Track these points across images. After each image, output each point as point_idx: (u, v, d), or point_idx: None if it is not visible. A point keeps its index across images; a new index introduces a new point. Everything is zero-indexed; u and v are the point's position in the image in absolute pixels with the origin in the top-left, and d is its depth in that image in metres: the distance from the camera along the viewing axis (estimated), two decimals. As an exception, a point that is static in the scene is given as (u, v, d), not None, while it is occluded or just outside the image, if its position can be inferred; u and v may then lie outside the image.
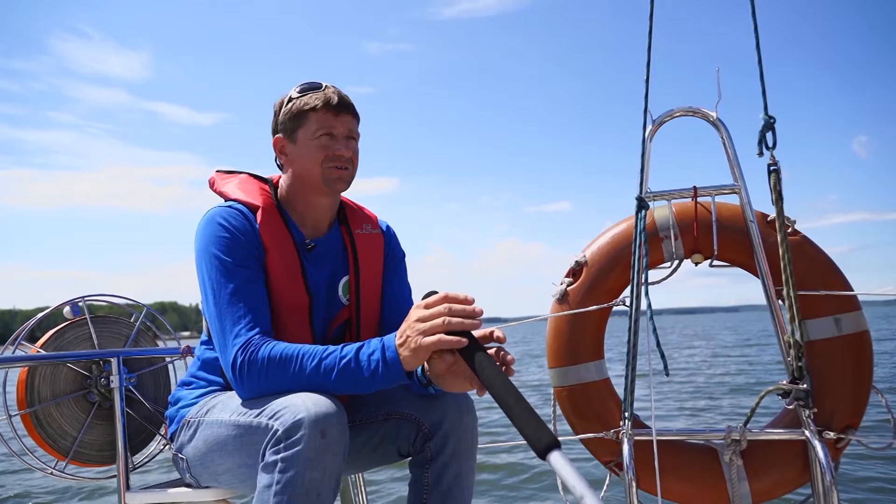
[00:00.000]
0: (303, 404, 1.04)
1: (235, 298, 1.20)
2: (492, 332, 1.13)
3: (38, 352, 1.76)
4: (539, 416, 0.92)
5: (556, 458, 0.85)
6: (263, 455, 1.06)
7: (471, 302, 1.06)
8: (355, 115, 1.34)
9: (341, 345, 1.13)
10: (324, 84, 1.32)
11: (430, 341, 1.03)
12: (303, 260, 1.33)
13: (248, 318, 1.19)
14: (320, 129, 1.29)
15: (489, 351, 1.07)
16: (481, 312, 1.05)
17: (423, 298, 1.10)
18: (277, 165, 1.39)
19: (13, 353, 1.73)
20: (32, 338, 1.82)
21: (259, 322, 1.20)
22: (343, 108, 1.30)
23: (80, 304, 1.88)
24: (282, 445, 1.03)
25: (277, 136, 1.35)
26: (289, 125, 1.32)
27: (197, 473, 1.32)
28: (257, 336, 1.17)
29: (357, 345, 1.12)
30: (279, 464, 1.02)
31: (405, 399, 1.33)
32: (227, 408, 1.21)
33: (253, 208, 1.31)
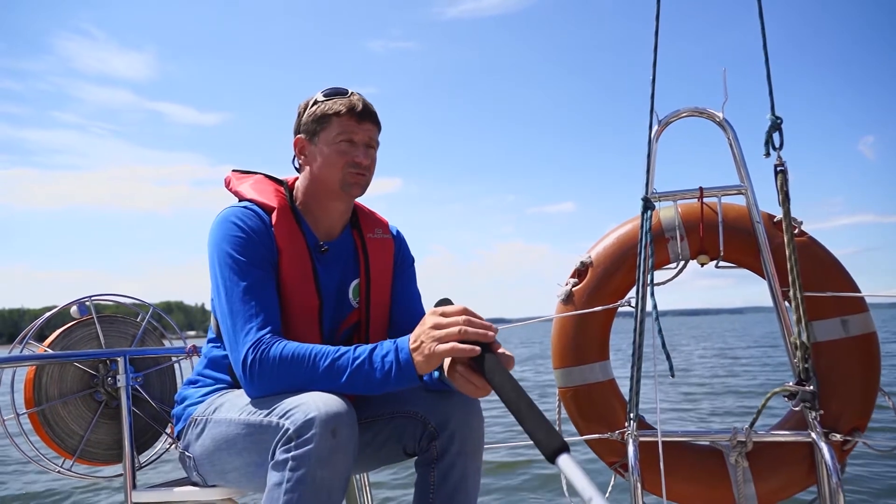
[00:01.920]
0: (314, 403, 1.05)
1: (248, 297, 1.21)
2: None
3: (46, 351, 1.77)
4: (548, 420, 0.95)
5: (565, 461, 0.87)
6: (273, 453, 1.06)
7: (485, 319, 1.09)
8: (377, 124, 1.36)
9: (353, 346, 1.15)
10: (349, 90, 1.34)
11: (445, 348, 1.05)
12: (315, 262, 1.34)
13: (260, 317, 1.20)
14: (342, 134, 1.30)
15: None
16: (497, 330, 1.08)
17: (435, 305, 1.12)
18: (295, 167, 1.41)
19: (21, 352, 1.74)
20: (41, 337, 1.83)
21: (270, 321, 1.20)
22: (366, 117, 1.32)
23: (87, 303, 1.89)
24: (293, 444, 1.03)
25: (299, 136, 1.36)
26: (311, 127, 1.33)
27: (204, 472, 1.33)
28: (268, 335, 1.18)
29: (370, 346, 1.13)
30: (290, 462, 1.03)
31: (411, 397, 1.33)
32: (235, 406, 1.22)
33: (268, 209, 1.33)
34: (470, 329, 1.06)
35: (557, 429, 2.06)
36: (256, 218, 1.30)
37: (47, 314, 1.85)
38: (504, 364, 1.06)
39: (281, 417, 1.08)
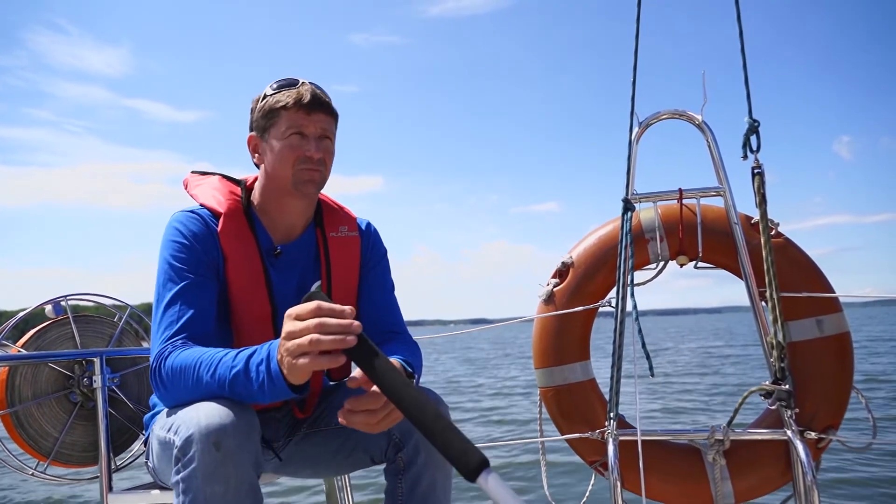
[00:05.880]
0: (195, 417, 0.99)
1: (171, 304, 1.17)
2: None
3: (19, 351, 1.74)
4: (463, 433, 0.84)
5: (486, 479, 0.79)
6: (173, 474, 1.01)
7: (348, 314, 0.93)
8: (330, 114, 1.28)
9: (237, 350, 1.05)
10: (300, 80, 1.27)
11: (304, 363, 0.91)
12: (267, 268, 1.29)
13: (177, 325, 1.14)
14: (291, 128, 1.24)
15: None
16: (359, 328, 0.92)
17: (303, 299, 0.97)
18: (255, 164, 1.35)
19: (-7, 352, 1.71)
20: (21, 337, 1.80)
21: (189, 328, 1.15)
22: (316, 107, 1.24)
23: (63, 303, 1.86)
24: (180, 464, 0.98)
25: (251, 134, 1.31)
26: (261, 123, 1.27)
27: (164, 480, 1.28)
28: (177, 341, 1.13)
29: (249, 351, 1.03)
30: (180, 484, 0.98)
31: None
32: (159, 420, 1.18)
33: (217, 214, 1.27)
34: (324, 338, 0.90)
35: (538, 428, 2.07)
36: (201, 223, 1.25)
37: (20, 314, 1.82)
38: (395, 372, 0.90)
39: (174, 434, 1.02)
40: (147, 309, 2.09)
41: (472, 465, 0.80)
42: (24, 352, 1.74)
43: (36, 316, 1.85)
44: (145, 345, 2.05)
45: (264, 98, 1.27)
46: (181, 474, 0.97)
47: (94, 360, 1.76)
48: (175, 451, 0.98)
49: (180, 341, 1.13)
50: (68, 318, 1.85)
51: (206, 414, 0.99)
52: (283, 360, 0.95)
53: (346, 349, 0.91)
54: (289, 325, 0.94)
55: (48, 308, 1.84)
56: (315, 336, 0.90)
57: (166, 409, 1.17)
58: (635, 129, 1.90)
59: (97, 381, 1.75)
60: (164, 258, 1.21)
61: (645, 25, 1.81)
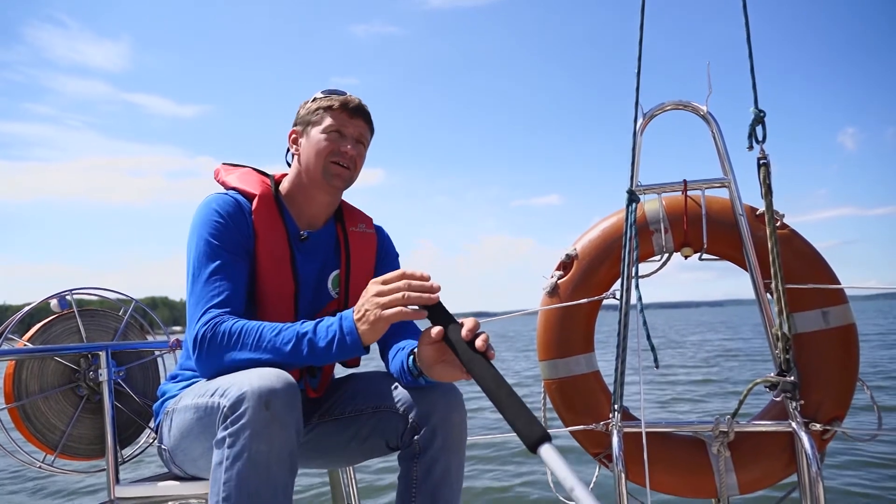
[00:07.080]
0: (247, 378, 1.06)
1: (212, 279, 1.24)
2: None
3: (25, 345, 1.75)
4: (529, 409, 0.93)
5: (546, 451, 0.85)
6: (216, 433, 1.07)
7: (427, 278, 1.09)
8: (369, 124, 1.42)
9: (301, 320, 1.17)
10: (349, 93, 1.41)
11: (390, 313, 1.07)
12: (293, 249, 1.37)
13: (220, 298, 1.22)
14: (332, 125, 1.36)
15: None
16: (439, 288, 1.09)
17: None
18: (287, 162, 1.46)
19: (0, 346, 1.72)
20: (27, 331, 1.81)
21: (231, 303, 1.23)
22: (358, 112, 1.39)
23: (68, 297, 1.86)
24: (228, 421, 1.04)
25: (294, 128, 1.43)
26: (306, 119, 1.40)
27: (180, 462, 1.34)
28: (224, 313, 1.20)
29: (316, 320, 1.16)
30: (227, 439, 1.04)
31: (394, 392, 1.34)
32: (191, 392, 1.24)
33: (249, 197, 1.37)
34: (412, 294, 1.07)
35: (542, 420, 2.07)
36: (235, 205, 1.33)
37: (26, 308, 1.83)
38: (480, 347, 1.03)
39: (220, 397, 1.08)
40: (150, 303, 2.09)
41: (535, 437, 0.87)
42: (30, 346, 1.75)
43: (41, 310, 1.86)
44: (150, 338, 2.06)
45: (313, 100, 1.41)
46: (229, 430, 1.03)
47: (100, 353, 1.77)
48: (223, 409, 1.05)
49: (226, 313, 1.20)
50: (73, 312, 1.86)
51: (257, 376, 1.06)
52: (369, 314, 1.09)
53: (428, 307, 1.08)
54: (375, 288, 1.11)
55: (53, 302, 1.84)
56: (406, 291, 1.07)
57: (203, 380, 1.22)
58: (640, 120, 1.89)
59: (103, 374, 1.76)
60: (201, 235, 1.28)
61: (649, 16, 1.79)
